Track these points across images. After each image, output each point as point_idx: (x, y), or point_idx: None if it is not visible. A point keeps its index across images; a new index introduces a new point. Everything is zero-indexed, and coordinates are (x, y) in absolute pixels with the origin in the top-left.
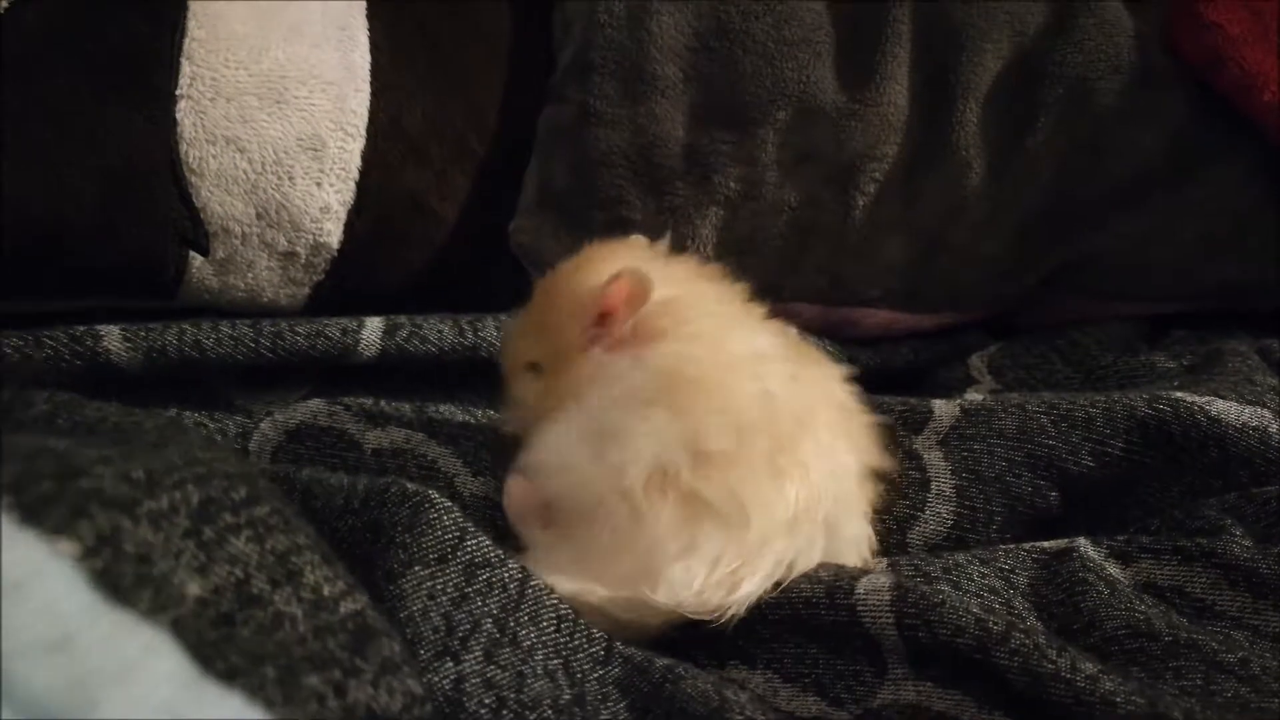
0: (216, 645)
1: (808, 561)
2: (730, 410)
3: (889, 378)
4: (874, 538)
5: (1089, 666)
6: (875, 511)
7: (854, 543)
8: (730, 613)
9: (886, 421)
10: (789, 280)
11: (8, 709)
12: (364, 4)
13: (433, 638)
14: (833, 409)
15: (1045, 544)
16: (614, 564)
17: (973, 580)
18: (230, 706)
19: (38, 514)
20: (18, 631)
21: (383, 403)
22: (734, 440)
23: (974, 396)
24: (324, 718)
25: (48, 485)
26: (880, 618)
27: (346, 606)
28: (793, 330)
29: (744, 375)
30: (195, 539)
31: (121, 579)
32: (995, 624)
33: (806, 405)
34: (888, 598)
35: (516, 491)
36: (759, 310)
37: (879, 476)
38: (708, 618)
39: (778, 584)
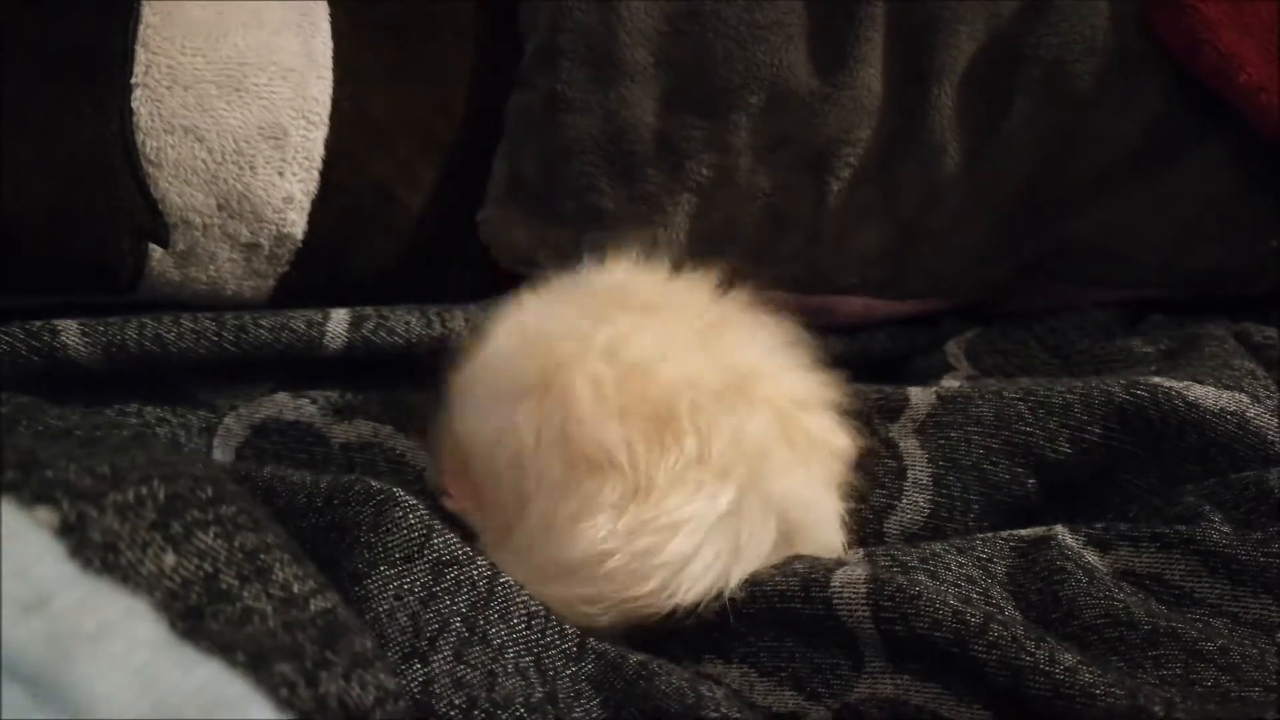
0: (187, 635)
1: (756, 530)
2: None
3: (866, 365)
4: (837, 502)
5: (1068, 658)
6: (847, 478)
7: (796, 498)
8: (676, 591)
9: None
10: (764, 267)
11: None
12: None
13: (400, 639)
14: (735, 369)
15: (1023, 532)
16: (534, 544)
17: (950, 570)
18: (208, 670)
19: (10, 490)
20: None
21: (350, 395)
22: (599, 400)
23: (951, 383)
24: (295, 706)
25: (12, 475)
26: (856, 611)
27: (317, 604)
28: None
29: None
30: (162, 532)
31: (88, 567)
32: (973, 616)
33: (692, 371)
34: (863, 590)
35: (432, 474)
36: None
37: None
38: (652, 602)
39: (750, 577)
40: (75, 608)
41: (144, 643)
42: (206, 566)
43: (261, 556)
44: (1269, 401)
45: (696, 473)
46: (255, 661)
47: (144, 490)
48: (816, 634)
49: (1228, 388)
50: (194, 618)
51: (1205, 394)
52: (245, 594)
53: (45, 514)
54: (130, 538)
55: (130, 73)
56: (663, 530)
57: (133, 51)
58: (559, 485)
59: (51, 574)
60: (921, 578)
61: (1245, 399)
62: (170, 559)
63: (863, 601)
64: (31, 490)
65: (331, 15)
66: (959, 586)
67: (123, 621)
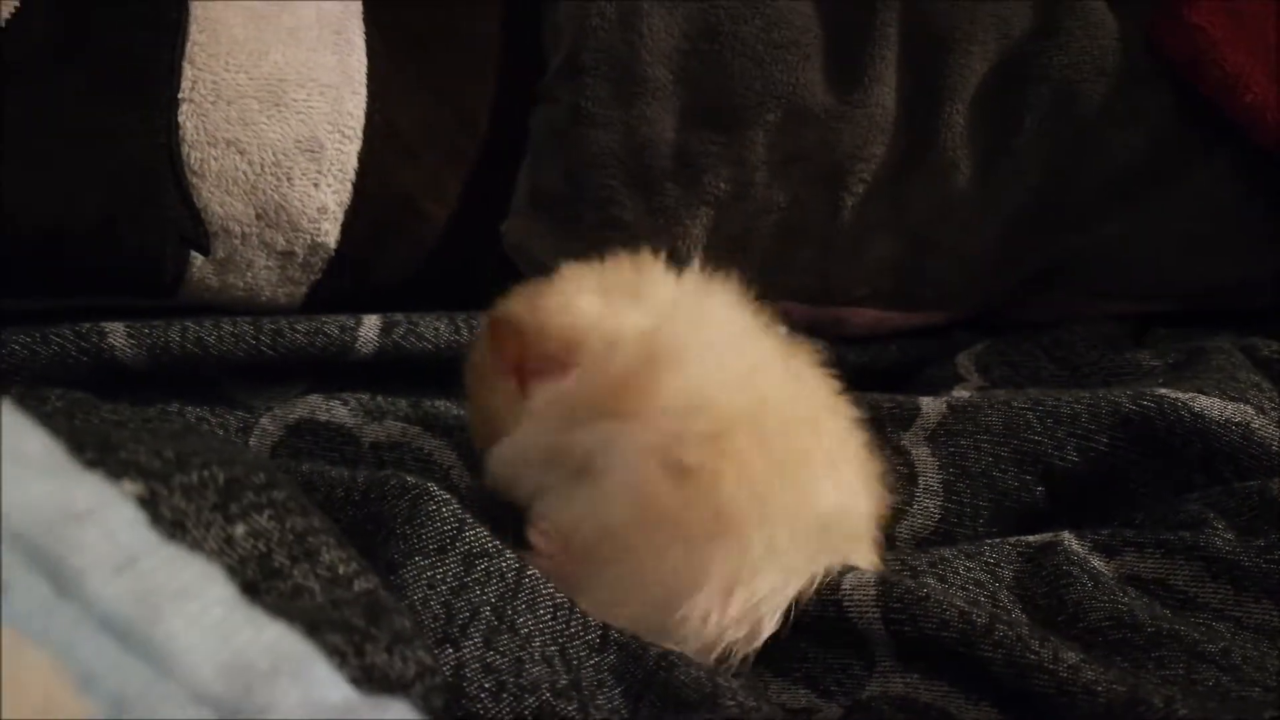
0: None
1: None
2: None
3: (877, 376)
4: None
5: (1071, 656)
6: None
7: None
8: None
9: (874, 417)
10: (778, 279)
11: (87, 617)
12: (360, 9)
13: (433, 625)
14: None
15: (1030, 538)
16: (628, 605)
17: (959, 574)
18: (277, 630)
19: (94, 467)
20: (87, 551)
21: (380, 398)
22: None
23: (961, 394)
24: (348, 675)
25: (91, 454)
26: (867, 613)
27: (360, 584)
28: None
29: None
30: (223, 513)
31: (165, 535)
32: (979, 617)
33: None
34: (873, 593)
35: (538, 541)
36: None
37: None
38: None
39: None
40: (160, 569)
41: (219, 602)
42: (261, 546)
43: (310, 539)
44: (1273, 413)
45: (801, 541)
46: (310, 631)
47: (206, 474)
48: (829, 635)
49: (1233, 399)
50: (250, 592)
51: (1210, 405)
52: (296, 572)
53: (130, 485)
54: (196, 516)
55: (177, 88)
56: (759, 619)
57: (180, 68)
58: (669, 563)
59: (137, 538)
60: (930, 581)
61: (1250, 410)
62: (230, 537)
63: (873, 604)
64: (109, 469)
65: (366, 34)
66: (967, 590)
67: (200, 582)
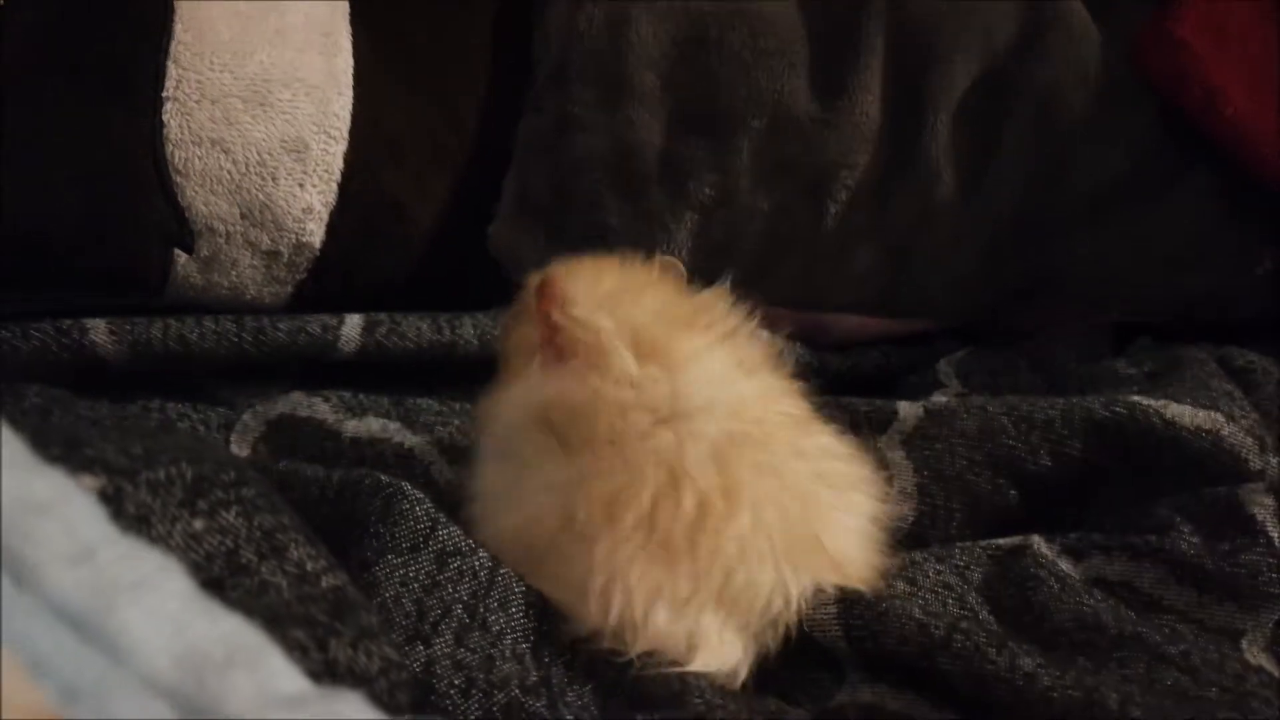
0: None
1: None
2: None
3: (859, 382)
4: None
5: (1028, 663)
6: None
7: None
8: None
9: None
10: (763, 285)
11: (43, 608)
12: (347, 10)
13: (405, 623)
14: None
15: (1000, 541)
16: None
17: (928, 577)
18: (232, 623)
19: (57, 463)
20: (44, 544)
21: (361, 395)
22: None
23: (939, 399)
24: (306, 666)
25: (57, 450)
26: (830, 631)
27: (328, 581)
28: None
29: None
30: (190, 509)
31: (127, 529)
32: (937, 629)
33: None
34: (834, 611)
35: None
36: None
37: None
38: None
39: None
40: (116, 561)
41: (176, 595)
42: (228, 542)
43: (278, 536)
44: (1244, 421)
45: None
46: (271, 626)
47: (174, 470)
48: (796, 653)
49: (1204, 407)
50: (215, 588)
51: (1182, 412)
52: (263, 569)
53: (90, 480)
54: (161, 512)
55: (162, 87)
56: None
57: (164, 67)
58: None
59: (95, 533)
60: (900, 585)
61: (1220, 418)
62: (195, 533)
63: (834, 622)
64: (74, 464)
65: (353, 35)
66: (936, 593)
67: (157, 575)
